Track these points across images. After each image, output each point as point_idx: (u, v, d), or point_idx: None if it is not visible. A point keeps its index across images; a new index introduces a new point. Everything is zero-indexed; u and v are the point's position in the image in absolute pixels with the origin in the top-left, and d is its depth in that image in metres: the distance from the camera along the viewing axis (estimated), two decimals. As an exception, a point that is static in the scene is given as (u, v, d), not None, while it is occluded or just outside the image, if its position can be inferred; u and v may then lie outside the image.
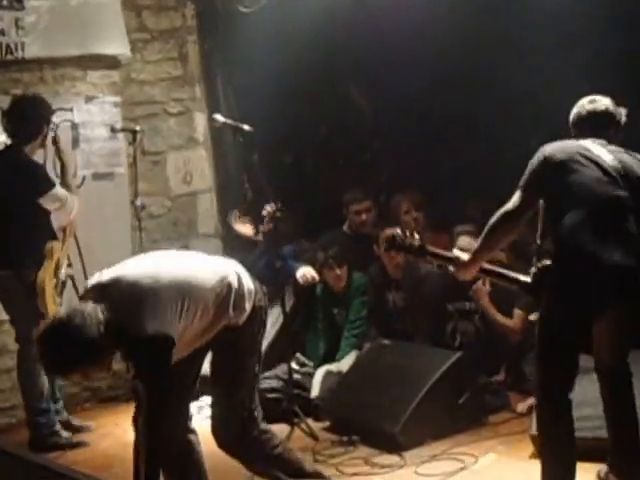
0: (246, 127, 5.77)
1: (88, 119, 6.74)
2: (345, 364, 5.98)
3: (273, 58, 6.78)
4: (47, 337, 3.40)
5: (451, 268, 4.20)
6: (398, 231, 4.23)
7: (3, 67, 6.36)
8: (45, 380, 5.53)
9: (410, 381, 5.25)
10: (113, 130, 6.76)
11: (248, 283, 3.89)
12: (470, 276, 4.23)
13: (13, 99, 5.81)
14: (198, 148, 7.47)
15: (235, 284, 3.80)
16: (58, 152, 5.75)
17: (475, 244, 4.14)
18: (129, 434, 5.74)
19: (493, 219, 3.94)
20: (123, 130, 6.78)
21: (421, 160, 7.05)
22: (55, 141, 5.72)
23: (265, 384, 5.78)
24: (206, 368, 4.10)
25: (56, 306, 5.45)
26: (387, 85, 7.03)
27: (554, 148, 3.88)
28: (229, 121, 5.94)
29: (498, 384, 5.78)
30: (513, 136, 6.25)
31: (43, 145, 5.67)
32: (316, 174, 7.91)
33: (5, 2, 6.25)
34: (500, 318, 5.79)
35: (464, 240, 5.61)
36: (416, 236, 4.19)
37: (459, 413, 5.24)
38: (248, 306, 3.85)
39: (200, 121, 7.44)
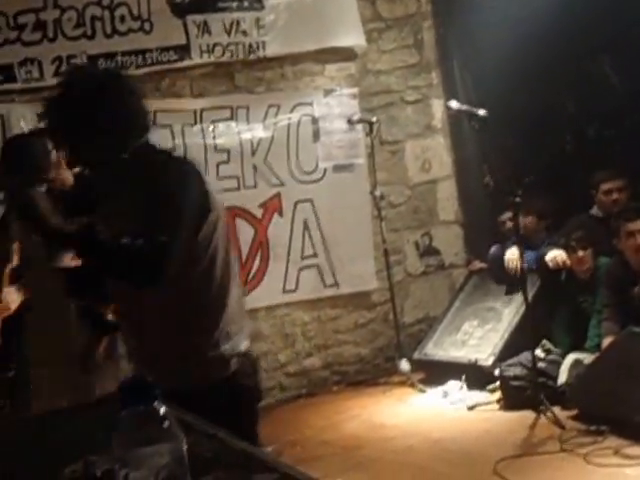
0: (481, 112, 5.68)
1: (327, 112, 6.89)
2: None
3: (511, 38, 6.57)
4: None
5: None
6: None
7: (246, 67, 6.64)
8: None
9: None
10: (350, 122, 6.88)
11: None
12: None
13: None
14: (436, 135, 7.45)
15: None
16: None
17: None
18: (376, 417, 5.96)
19: None
20: (360, 121, 6.88)
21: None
22: None
23: (509, 371, 5.71)
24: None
25: None
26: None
27: None
28: (463, 107, 5.87)
29: None
30: None
31: None
32: (562, 156, 7.62)
33: (246, 3, 6.52)
34: None
35: None
36: None
37: None
38: None
39: (438, 108, 7.41)
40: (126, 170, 2.70)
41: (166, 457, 1.39)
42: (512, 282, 6.31)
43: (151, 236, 2.52)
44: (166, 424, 1.42)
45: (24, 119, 5.87)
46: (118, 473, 1.40)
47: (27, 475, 1.84)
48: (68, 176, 4.90)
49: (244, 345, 2.84)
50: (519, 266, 5.94)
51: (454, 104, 5.97)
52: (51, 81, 5.87)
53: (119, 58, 6.10)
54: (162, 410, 1.43)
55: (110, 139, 2.65)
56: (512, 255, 6.30)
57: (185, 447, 1.44)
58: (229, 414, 2.36)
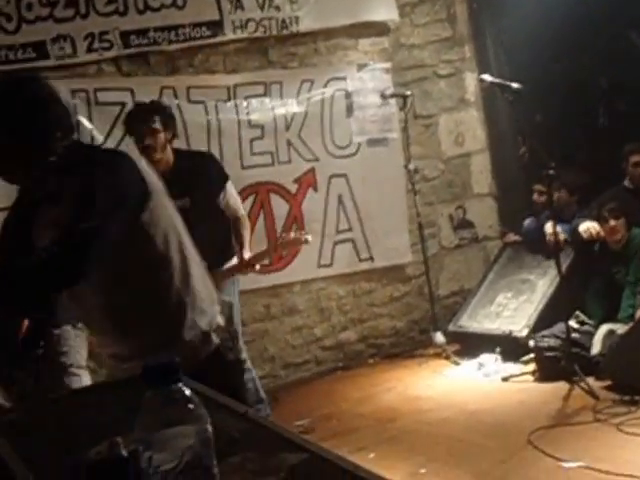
0: (515, 85, 5.67)
1: (361, 87, 6.90)
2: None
3: (544, 12, 6.56)
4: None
5: None
6: None
7: (279, 42, 6.64)
8: None
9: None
10: (384, 96, 6.88)
11: None
12: None
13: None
14: (469, 109, 7.44)
15: None
16: None
17: None
18: (411, 389, 6.01)
19: None
20: (393, 96, 6.88)
21: None
22: None
23: (543, 343, 5.73)
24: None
25: None
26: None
27: None
28: (496, 80, 5.86)
29: None
30: None
31: None
32: (594, 129, 7.57)
33: (279, -21, 6.52)
34: None
35: None
36: None
37: None
38: None
39: (471, 81, 7.40)
40: (57, 173, 2.55)
41: (191, 438, 1.36)
42: (549, 254, 6.31)
43: (73, 228, 2.40)
44: (191, 405, 1.39)
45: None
46: (142, 455, 1.37)
47: (51, 456, 1.83)
48: (171, 157, 4.89)
49: (219, 319, 2.80)
50: (560, 239, 5.93)
51: (487, 77, 5.97)
52: (84, 57, 5.93)
53: (151, 34, 6.11)
54: (187, 391, 1.40)
55: (39, 147, 2.52)
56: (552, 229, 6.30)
57: (210, 428, 1.40)
58: (220, 390, 2.14)
